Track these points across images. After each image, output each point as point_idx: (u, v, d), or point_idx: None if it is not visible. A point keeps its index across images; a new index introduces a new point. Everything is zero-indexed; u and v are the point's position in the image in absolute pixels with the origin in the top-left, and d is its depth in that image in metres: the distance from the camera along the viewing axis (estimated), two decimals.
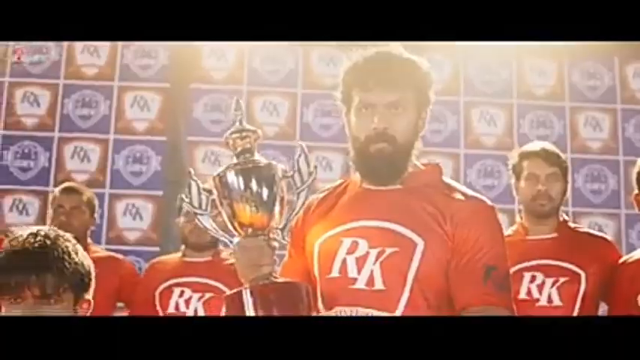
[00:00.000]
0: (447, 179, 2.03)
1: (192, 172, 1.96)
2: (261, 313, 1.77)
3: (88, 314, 1.87)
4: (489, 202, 1.96)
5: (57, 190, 3.47)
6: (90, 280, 1.86)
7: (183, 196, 1.95)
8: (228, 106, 4.68)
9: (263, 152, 4.51)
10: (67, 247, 1.80)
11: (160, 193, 4.54)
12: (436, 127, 4.56)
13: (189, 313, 3.09)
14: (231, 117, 1.97)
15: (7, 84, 4.62)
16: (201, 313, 3.09)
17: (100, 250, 3.53)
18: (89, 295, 1.87)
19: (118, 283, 3.26)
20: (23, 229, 1.83)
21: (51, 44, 4.59)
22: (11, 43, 4.54)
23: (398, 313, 1.82)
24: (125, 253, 4.01)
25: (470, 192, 1.98)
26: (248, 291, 1.80)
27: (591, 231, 3.15)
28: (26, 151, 4.55)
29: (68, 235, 1.85)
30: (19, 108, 4.61)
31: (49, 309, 1.75)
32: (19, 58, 4.62)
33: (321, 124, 4.68)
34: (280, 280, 1.83)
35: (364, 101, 1.93)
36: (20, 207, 4.49)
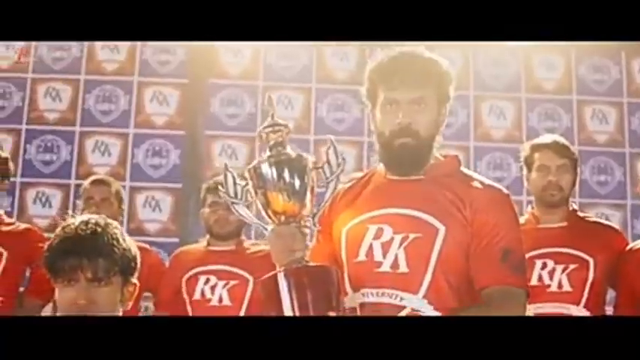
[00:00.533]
0: (465, 169, 2.18)
1: (228, 164, 2.09)
2: (294, 296, 1.90)
3: (133, 298, 2.02)
4: (505, 190, 2.10)
5: (87, 182, 3.60)
6: (136, 264, 2.00)
7: (220, 186, 2.08)
8: (244, 101, 4.83)
9: None
10: (115, 233, 1.94)
11: (179, 185, 4.66)
12: (447, 120, 4.66)
13: (215, 299, 3.22)
14: (260, 111, 2.10)
15: (29, 80, 4.76)
16: (226, 299, 3.22)
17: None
18: (135, 279, 2.01)
19: (146, 272, 3.40)
20: (74, 216, 1.97)
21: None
22: (33, 42, 4.69)
23: (420, 294, 1.96)
24: (145, 244, 4.15)
25: (487, 181, 2.12)
26: (282, 274, 1.93)
27: (600, 220, 3.30)
28: (49, 145, 4.68)
29: (116, 223, 1.99)
30: (41, 103, 4.74)
31: (100, 291, 1.89)
32: (19, 58, 4.74)
33: (335, 118, 4.81)
34: (312, 264, 1.97)
35: (389, 98, 2.07)
36: (43, 199, 4.62)
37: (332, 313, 1.90)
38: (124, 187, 4.51)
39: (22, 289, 3.50)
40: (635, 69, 4.92)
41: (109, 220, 1.97)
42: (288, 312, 1.90)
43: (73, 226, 1.91)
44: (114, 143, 4.73)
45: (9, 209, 4.39)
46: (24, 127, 4.71)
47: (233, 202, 2.05)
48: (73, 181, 4.63)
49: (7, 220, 3.56)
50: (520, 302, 1.98)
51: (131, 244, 2.00)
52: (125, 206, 3.82)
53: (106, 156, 4.71)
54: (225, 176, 2.07)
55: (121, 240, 1.95)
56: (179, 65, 4.80)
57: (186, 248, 3.56)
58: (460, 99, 4.79)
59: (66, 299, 1.90)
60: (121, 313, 1.98)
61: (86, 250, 1.88)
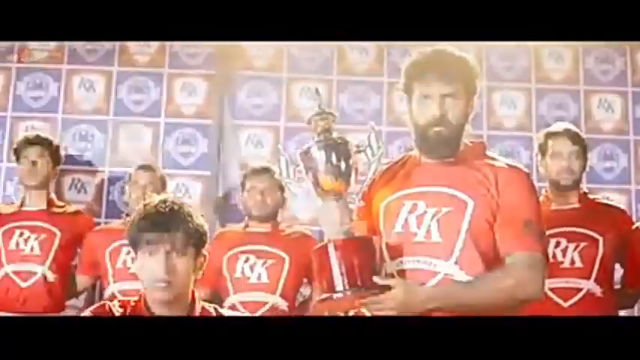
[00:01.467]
0: (489, 153, 2.46)
1: (282, 148, 2.37)
2: (343, 263, 2.19)
3: (203, 268, 2.30)
4: (525, 169, 2.39)
5: (133, 168, 3.88)
6: (206, 238, 2.28)
7: (276, 168, 2.36)
8: (268, 92, 5.09)
9: (302, 134, 4.89)
10: (189, 211, 2.23)
11: (208, 173, 4.89)
12: None
13: (254, 277, 3.50)
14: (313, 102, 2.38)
15: (64, 71, 5.03)
16: (264, 277, 3.49)
17: None
18: (205, 251, 2.29)
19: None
20: (153, 196, 2.26)
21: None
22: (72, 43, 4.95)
23: (452, 260, 2.24)
24: None
25: (509, 161, 2.41)
26: (332, 245, 2.21)
27: (608, 201, 3.57)
28: (83, 134, 4.92)
29: (189, 203, 2.28)
30: (76, 94, 5.01)
31: (178, 261, 2.17)
32: (19, 59, 4.96)
33: (355, 109, 5.06)
34: (357, 235, 2.26)
35: (424, 92, 2.35)
36: (78, 186, 4.86)
37: (376, 278, 2.19)
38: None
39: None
40: (639, 59, 5.18)
41: (183, 200, 2.26)
42: (337, 278, 2.19)
43: (153, 204, 2.20)
44: (145, 133, 4.97)
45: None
46: (60, 116, 4.98)
47: (287, 182, 2.34)
48: (107, 169, 4.89)
49: (57, 203, 3.86)
50: (540, 266, 2.26)
51: (202, 221, 2.28)
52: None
53: (138, 144, 4.97)
54: (279, 159, 2.35)
55: (194, 216, 2.23)
56: (207, 57, 5.02)
57: (227, 230, 3.85)
58: None
59: (148, 269, 2.18)
60: (192, 283, 2.27)
61: (165, 224, 2.16)
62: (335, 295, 2.19)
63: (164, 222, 2.17)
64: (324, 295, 2.21)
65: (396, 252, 2.31)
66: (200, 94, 5.04)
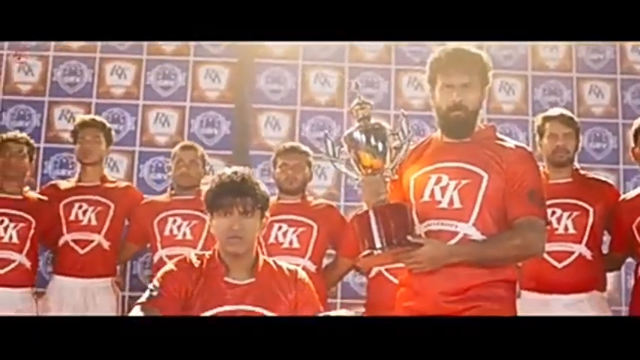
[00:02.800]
0: (499, 134, 2.98)
1: (327, 132, 2.89)
2: (381, 225, 2.69)
3: (266, 226, 2.82)
4: (530, 149, 2.92)
5: (177, 147, 4.35)
6: (269, 203, 2.81)
7: (322, 149, 2.87)
8: (285, 78, 5.58)
9: (316, 117, 5.39)
10: (256, 181, 2.75)
11: (230, 152, 5.38)
12: None
13: (286, 243, 3.97)
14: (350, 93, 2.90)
15: (98, 59, 5.51)
16: (295, 243, 3.97)
17: None
18: (268, 214, 2.81)
19: None
20: (226, 168, 2.78)
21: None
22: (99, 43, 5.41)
23: (470, 223, 2.74)
24: None
25: (516, 142, 2.93)
26: (372, 211, 2.73)
27: (597, 176, 4.10)
28: (115, 116, 5.40)
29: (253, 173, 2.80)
30: (108, 79, 5.50)
31: (248, 221, 2.69)
32: (19, 58, 5.40)
33: (365, 93, 5.56)
34: (392, 202, 2.78)
35: (445, 82, 2.86)
36: (111, 164, 5.30)
37: (409, 237, 2.71)
38: None
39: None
40: (628, 49, 5.63)
41: (251, 172, 2.78)
42: (376, 237, 2.70)
43: (227, 175, 2.72)
44: (172, 115, 5.45)
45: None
46: (94, 100, 5.46)
47: (332, 160, 2.85)
48: (137, 149, 5.39)
49: (110, 178, 4.37)
50: (541, 229, 2.79)
51: (265, 189, 2.80)
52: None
53: (165, 126, 5.43)
54: (325, 141, 2.87)
55: (260, 185, 2.76)
56: (229, 46, 5.46)
57: None
58: None
59: (223, 226, 2.69)
60: (256, 240, 2.79)
61: (238, 191, 2.68)
62: (375, 252, 2.71)
63: (237, 189, 2.69)
64: (367, 252, 2.72)
65: (424, 216, 2.81)
66: (222, 81, 5.54)
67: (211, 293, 2.69)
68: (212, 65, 5.55)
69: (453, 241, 2.76)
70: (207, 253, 2.81)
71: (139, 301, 2.68)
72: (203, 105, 5.51)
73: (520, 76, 5.65)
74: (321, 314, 2.72)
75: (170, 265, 2.78)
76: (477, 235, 2.76)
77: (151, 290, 2.69)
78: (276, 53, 5.57)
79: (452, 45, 2.94)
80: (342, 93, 5.55)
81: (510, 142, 2.92)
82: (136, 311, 2.64)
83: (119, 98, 5.47)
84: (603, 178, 4.11)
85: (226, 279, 2.72)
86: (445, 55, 2.89)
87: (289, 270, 2.84)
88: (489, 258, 2.74)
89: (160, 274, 2.76)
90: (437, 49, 2.96)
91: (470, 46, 2.93)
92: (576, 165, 3.97)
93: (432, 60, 2.93)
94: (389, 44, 5.57)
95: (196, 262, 2.76)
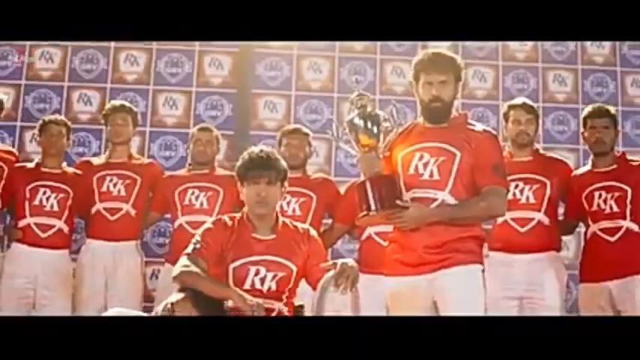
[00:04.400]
0: (470, 120, 3.75)
1: (334, 119, 3.66)
2: (375, 191, 3.44)
3: (284, 195, 3.57)
4: (494, 132, 3.70)
5: (195, 129, 5.06)
6: (287, 176, 3.56)
7: (329, 131, 3.63)
8: (282, 67, 6.29)
9: (309, 101, 6.15)
10: (278, 157, 3.51)
11: (232, 132, 6.05)
12: None
13: (289, 211, 4.66)
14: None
15: (112, 48, 6.21)
16: (297, 211, 4.70)
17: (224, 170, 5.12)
18: (287, 184, 3.57)
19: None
20: (253, 147, 3.54)
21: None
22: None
23: (447, 191, 3.48)
24: None
25: (484, 127, 3.70)
26: (368, 181, 3.48)
27: (554, 155, 4.88)
28: (128, 100, 5.88)
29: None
30: (121, 67, 6.19)
31: (271, 189, 3.41)
32: (19, 58, 6.09)
33: (353, 81, 6.29)
34: (384, 174, 3.55)
35: (427, 80, 3.59)
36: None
37: (398, 202, 3.48)
38: (188, 133, 5.97)
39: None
40: (587, 44, 6.40)
41: (274, 150, 3.55)
42: (372, 202, 3.46)
43: (255, 152, 3.46)
44: (179, 99, 6.16)
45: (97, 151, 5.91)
46: (109, 85, 6.15)
47: (337, 140, 3.61)
48: (148, 129, 6.03)
49: (135, 156, 5.11)
50: (503, 195, 3.56)
51: (285, 164, 3.55)
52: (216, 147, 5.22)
53: (174, 109, 6.12)
54: (332, 125, 3.61)
55: (281, 160, 3.51)
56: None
57: None
58: None
59: (252, 193, 3.42)
60: (279, 206, 3.54)
61: (264, 165, 3.44)
62: (371, 213, 3.47)
63: (263, 163, 3.43)
64: (364, 213, 3.48)
65: (409, 186, 3.55)
66: (225, 68, 6.27)
67: (241, 246, 3.44)
68: (216, 54, 6.26)
69: (433, 205, 3.51)
70: (238, 215, 3.55)
71: (186, 251, 3.42)
72: (208, 90, 6.23)
73: (492, 66, 6.42)
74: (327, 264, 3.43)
75: (208, 224, 3.53)
76: (451, 200, 3.51)
77: (194, 244, 3.43)
78: (274, 44, 6.23)
79: (432, 50, 3.71)
80: (332, 80, 6.28)
81: (479, 127, 3.69)
82: (183, 260, 3.37)
83: (132, 84, 6.17)
84: (559, 157, 4.88)
85: (253, 235, 3.48)
86: (427, 57, 3.64)
87: (302, 228, 3.60)
88: (461, 218, 3.50)
89: (200, 231, 3.50)
90: (420, 52, 3.73)
91: (446, 49, 3.71)
92: (536, 145, 4.74)
93: (416, 62, 3.68)
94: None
95: (229, 222, 3.51)
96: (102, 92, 6.13)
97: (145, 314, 3.58)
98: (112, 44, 6.19)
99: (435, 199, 3.53)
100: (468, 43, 6.30)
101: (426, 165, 3.57)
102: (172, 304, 3.16)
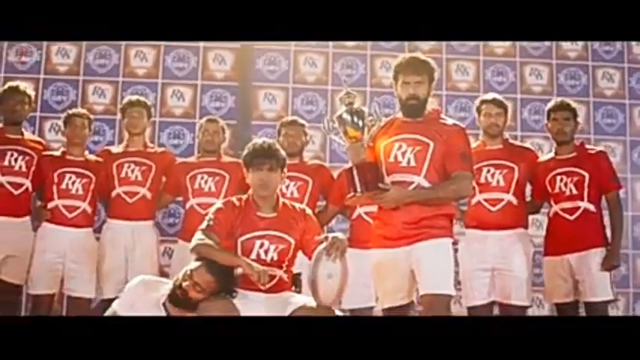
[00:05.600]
0: (443, 115, 4.49)
1: (327, 115, 4.40)
2: (361, 176, 4.14)
3: (285, 179, 4.31)
4: (463, 126, 4.42)
5: (203, 120, 5.78)
6: (286, 164, 4.28)
7: (321, 124, 4.37)
8: (280, 61, 6.95)
9: (305, 93, 6.91)
10: (278, 147, 4.24)
11: (234, 122, 6.67)
12: None
13: (288, 194, 5.31)
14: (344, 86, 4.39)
15: (123, 45, 6.90)
16: (295, 194, 5.37)
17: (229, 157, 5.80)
18: (285, 170, 4.29)
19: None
20: (257, 139, 4.28)
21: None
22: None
23: (422, 175, 4.18)
24: None
25: (454, 121, 4.44)
26: (354, 167, 4.20)
27: (521, 143, 5.63)
28: (139, 92, 6.55)
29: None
30: (132, 62, 6.81)
31: (272, 175, 4.11)
32: (20, 58, 6.66)
33: (346, 74, 6.83)
34: (368, 161, 4.29)
35: (404, 80, 4.30)
36: None
37: (380, 185, 4.22)
38: (195, 123, 6.67)
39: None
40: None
41: (275, 141, 4.29)
42: (358, 185, 4.17)
43: (259, 143, 4.19)
44: (186, 91, 6.80)
45: (111, 139, 6.64)
46: (120, 79, 6.78)
47: (328, 132, 4.35)
48: (157, 119, 6.60)
49: (149, 145, 5.85)
50: (469, 178, 4.27)
51: (284, 153, 4.28)
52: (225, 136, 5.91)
53: (181, 101, 6.76)
54: (323, 120, 4.35)
55: (280, 150, 4.25)
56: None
57: None
58: (436, 60, 6.89)
59: (256, 178, 4.12)
60: (279, 189, 4.28)
61: (267, 154, 4.15)
62: (357, 194, 4.20)
63: (266, 153, 4.14)
64: (351, 195, 4.19)
65: (390, 172, 4.25)
66: (228, 63, 6.93)
67: (248, 223, 4.16)
68: (219, 50, 6.91)
69: (410, 188, 4.22)
70: (244, 196, 4.27)
71: (201, 227, 4.14)
72: (212, 83, 6.87)
73: (473, 60, 7.10)
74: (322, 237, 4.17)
75: (219, 204, 4.26)
76: (425, 184, 4.23)
77: (208, 221, 4.16)
78: (272, 40, 6.89)
79: (409, 54, 4.44)
80: (326, 73, 6.96)
81: (449, 121, 4.41)
82: (199, 234, 4.08)
83: (142, 77, 6.83)
84: (525, 145, 5.65)
85: (258, 213, 4.20)
86: (404, 61, 4.37)
87: (300, 208, 4.33)
88: (434, 198, 4.21)
89: (212, 210, 4.22)
90: (400, 56, 4.46)
91: (420, 54, 4.44)
92: (506, 135, 5.44)
93: (396, 64, 4.39)
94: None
95: (237, 203, 4.23)
96: (114, 85, 6.77)
97: (165, 279, 4.31)
98: (124, 42, 6.81)
99: (411, 183, 4.25)
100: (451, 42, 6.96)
101: (404, 154, 4.28)
102: (191, 270, 3.91)
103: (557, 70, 7.13)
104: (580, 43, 7.14)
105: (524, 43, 7.09)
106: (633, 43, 7.11)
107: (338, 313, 4.02)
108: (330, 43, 6.98)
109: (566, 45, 7.14)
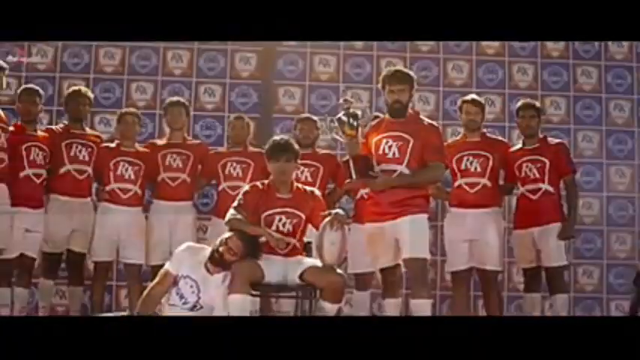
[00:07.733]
0: (422, 116, 5.93)
1: (326, 116, 5.96)
2: (358, 166, 5.58)
3: (299, 167, 5.81)
4: (437, 124, 5.92)
5: (232, 117, 7.12)
6: (299, 155, 5.75)
7: (323, 125, 5.90)
8: (298, 62, 8.16)
9: (319, 90, 8.57)
10: (293, 142, 5.65)
11: (258, 115, 7.94)
12: (424, 73, 8.06)
13: (302, 178, 6.63)
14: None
15: (162, 48, 8.20)
16: (309, 178, 6.70)
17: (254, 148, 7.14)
18: (299, 161, 5.72)
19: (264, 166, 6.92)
20: (276, 136, 5.80)
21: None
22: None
23: (404, 165, 5.57)
24: None
25: (430, 121, 5.88)
26: (350, 159, 5.66)
27: (496, 136, 6.97)
28: (176, 90, 7.93)
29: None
30: (169, 63, 8.09)
31: (288, 165, 5.47)
32: (20, 57, 7.53)
33: (354, 72, 8.19)
34: (362, 154, 5.81)
35: (390, 88, 5.68)
36: None
37: (371, 172, 5.71)
38: (224, 116, 8.09)
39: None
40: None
41: (290, 137, 5.81)
42: (353, 172, 5.61)
43: (277, 139, 5.64)
44: (216, 89, 8.11)
45: (152, 131, 8.12)
46: (160, 78, 8.11)
47: (329, 131, 5.88)
48: (191, 113, 7.79)
49: (187, 138, 7.23)
50: (442, 168, 5.71)
51: (297, 147, 5.75)
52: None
53: (212, 97, 8.05)
54: (325, 121, 5.89)
55: (295, 145, 5.71)
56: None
57: None
58: (434, 59, 8.18)
59: (275, 167, 5.48)
60: (292, 174, 5.79)
61: (284, 147, 5.52)
62: (353, 180, 5.67)
63: (283, 147, 5.48)
64: (348, 181, 5.67)
65: (379, 162, 5.61)
66: (252, 63, 8.18)
67: (269, 202, 5.50)
68: (244, 53, 8.15)
69: (394, 175, 5.62)
70: (266, 182, 5.67)
71: (233, 205, 5.51)
72: (238, 81, 8.09)
73: (467, 60, 8.31)
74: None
75: (247, 188, 5.64)
76: (407, 172, 5.63)
77: (239, 200, 5.52)
78: (291, 44, 8.13)
79: (393, 67, 5.91)
80: (338, 72, 8.24)
81: (427, 121, 5.81)
82: (232, 211, 5.46)
83: (178, 77, 8.13)
84: (499, 137, 7.03)
85: (277, 195, 5.55)
86: (390, 73, 5.74)
87: (310, 190, 5.67)
88: (414, 183, 5.62)
89: (242, 191, 5.59)
90: (386, 68, 5.95)
91: (402, 66, 5.96)
92: (483, 129, 6.79)
93: (382, 76, 5.77)
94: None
95: (261, 186, 5.61)
96: (154, 84, 8.07)
97: (206, 246, 5.73)
98: (162, 44, 8.11)
99: (395, 171, 5.64)
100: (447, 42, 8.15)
101: (390, 147, 5.68)
102: (226, 238, 5.41)
103: (541, 68, 8.33)
104: (562, 43, 8.28)
105: (512, 43, 8.25)
106: (609, 43, 8.30)
107: (338, 270, 5.39)
108: (341, 44, 8.18)
109: (549, 45, 8.30)
